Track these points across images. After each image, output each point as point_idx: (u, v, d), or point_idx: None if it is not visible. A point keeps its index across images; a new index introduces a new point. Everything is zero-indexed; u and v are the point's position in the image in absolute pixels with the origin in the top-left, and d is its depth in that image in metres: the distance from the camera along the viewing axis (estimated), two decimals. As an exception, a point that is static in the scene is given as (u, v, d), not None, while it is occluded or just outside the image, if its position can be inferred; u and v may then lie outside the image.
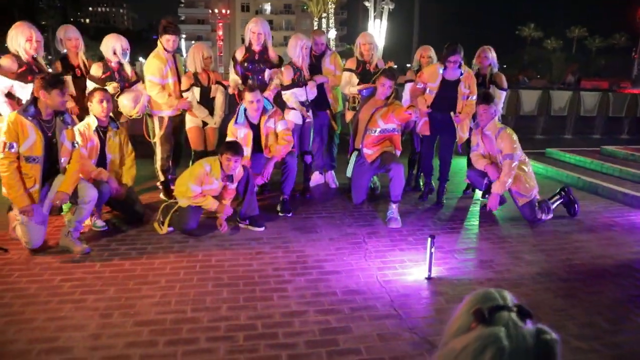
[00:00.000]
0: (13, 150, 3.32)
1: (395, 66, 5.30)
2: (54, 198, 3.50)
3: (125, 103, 4.46)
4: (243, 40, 5.08)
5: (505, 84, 5.07)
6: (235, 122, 4.40)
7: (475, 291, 0.88)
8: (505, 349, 0.75)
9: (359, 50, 5.07)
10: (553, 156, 7.37)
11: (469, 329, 0.82)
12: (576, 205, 4.61)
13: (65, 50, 4.62)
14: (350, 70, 5.03)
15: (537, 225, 4.37)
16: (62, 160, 3.59)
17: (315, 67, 4.95)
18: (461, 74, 4.56)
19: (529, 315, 0.82)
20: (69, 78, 4.47)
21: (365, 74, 4.98)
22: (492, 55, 5.01)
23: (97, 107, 3.99)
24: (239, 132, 4.41)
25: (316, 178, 5.52)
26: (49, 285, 3.00)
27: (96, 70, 4.48)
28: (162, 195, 4.89)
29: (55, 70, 4.58)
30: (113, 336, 2.44)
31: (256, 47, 4.84)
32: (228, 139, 4.32)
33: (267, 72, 4.86)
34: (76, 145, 3.71)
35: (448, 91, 4.59)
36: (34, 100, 3.44)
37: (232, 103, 5.42)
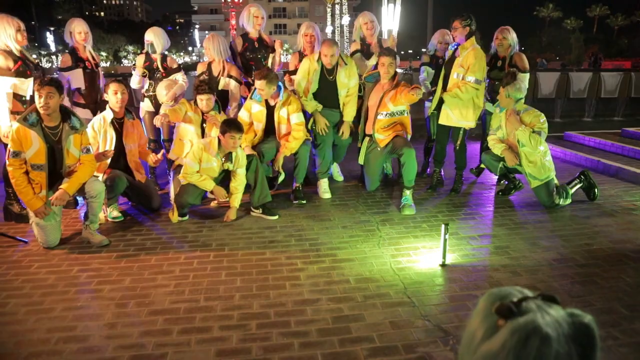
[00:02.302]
0: (19, 157, 3.35)
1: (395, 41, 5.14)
2: (54, 196, 3.42)
3: (159, 91, 4.63)
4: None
5: (526, 65, 4.79)
6: (251, 96, 4.44)
7: (486, 294, 0.84)
8: (550, 337, 0.68)
9: (361, 33, 4.99)
10: (572, 139, 7.20)
11: (496, 328, 0.74)
12: (596, 190, 4.50)
13: (73, 44, 4.63)
14: (357, 51, 4.97)
15: (555, 210, 4.28)
16: (67, 166, 3.55)
17: (330, 83, 4.65)
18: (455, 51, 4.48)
19: (554, 300, 0.77)
20: (79, 71, 4.53)
21: (368, 54, 4.90)
22: (512, 36, 4.76)
23: (111, 98, 4.06)
24: (253, 107, 4.43)
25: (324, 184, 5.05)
26: (66, 275, 3.06)
27: (139, 60, 4.84)
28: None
29: (64, 63, 4.58)
30: (128, 325, 2.48)
31: (255, 34, 4.83)
32: (240, 113, 4.43)
33: (270, 57, 4.86)
34: (90, 150, 3.68)
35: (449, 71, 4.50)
36: (35, 107, 3.39)
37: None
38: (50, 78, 3.55)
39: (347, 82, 4.63)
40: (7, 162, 3.38)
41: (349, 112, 4.73)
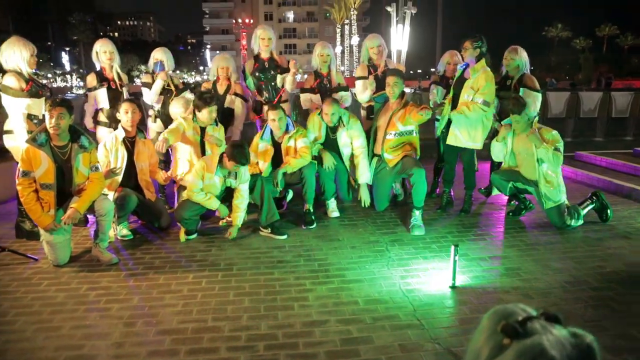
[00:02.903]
0: (28, 177, 3.41)
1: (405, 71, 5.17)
2: (65, 215, 3.47)
3: (175, 110, 4.65)
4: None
5: (536, 86, 4.72)
6: (261, 137, 4.49)
7: (490, 311, 0.84)
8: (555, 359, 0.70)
9: (368, 55, 5.01)
10: (583, 159, 7.15)
11: (502, 348, 0.76)
12: (608, 211, 4.44)
13: (99, 64, 4.73)
14: (362, 78, 4.97)
15: (567, 231, 4.23)
16: (76, 185, 3.58)
17: (332, 140, 4.67)
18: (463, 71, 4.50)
19: (557, 320, 0.78)
20: (104, 90, 4.63)
21: (376, 80, 4.87)
22: (521, 56, 4.72)
23: (122, 117, 4.12)
24: (259, 146, 4.47)
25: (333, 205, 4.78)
26: (76, 293, 3.07)
27: (146, 78, 4.92)
28: None
29: (89, 83, 4.68)
30: (136, 345, 2.47)
31: (265, 54, 4.89)
32: (252, 152, 4.44)
33: (279, 77, 4.90)
34: (99, 168, 3.72)
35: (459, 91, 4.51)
36: (45, 128, 3.47)
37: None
38: (62, 99, 3.61)
39: (348, 142, 4.64)
40: (17, 182, 3.44)
41: (361, 174, 4.67)
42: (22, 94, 3.86)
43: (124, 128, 4.16)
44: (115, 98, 4.64)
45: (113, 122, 4.63)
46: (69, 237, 3.62)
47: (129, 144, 4.20)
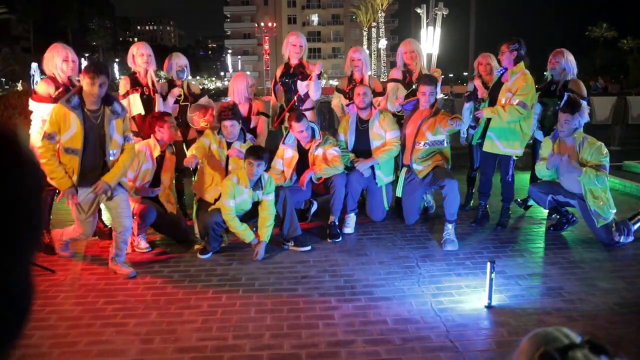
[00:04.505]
0: (53, 141, 3.42)
1: (442, 75, 5.20)
2: (95, 186, 3.51)
3: (191, 117, 4.70)
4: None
5: (584, 92, 4.61)
6: (284, 142, 4.52)
7: (530, 334, 0.82)
8: None
9: (403, 60, 5.03)
10: (632, 170, 6.95)
11: None
12: (660, 226, 4.30)
13: (135, 67, 4.72)
14: (395, 80, 5.00)
15: (615, 248, 4.11)
16: (110, 153, 3.57)
17: (362, 132, 4.72)
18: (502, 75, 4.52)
19: (604, 350, 0.75)
20: (137, 95, 4.60)
21: (410, 85, 4.92)
22: (567, 59, 4.65)
23: (162, 133, 4.23)
24: (285, 152, 4.51)
25: (351, 221, 4.68)
26: (92, 307, 3.13)
27: (162, 87, 4.87)
28: None
29: (121, 88, 4.69)
30: (153, 363, 2.50)
31: (294, 61, 4.96)
32: (275, 163, 4.50)
33: (299, 83, 4.94)
34: (130, 138, 3.73)
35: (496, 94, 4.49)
36: (79, 90, 3.48)
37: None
38: (103, 66, 3.65)
39: (381, 134, 4.64)
40: (39, 145, 3.45)
41: (380, 155, 4.62)
42: (47, 99, 3.96)
43: (157, 140, 4.23)
44: (148, 106, 4.59)
45: (141, 132, 4.56)
46: (95, 211, 3.74)
47: (159, 157, 4.29)
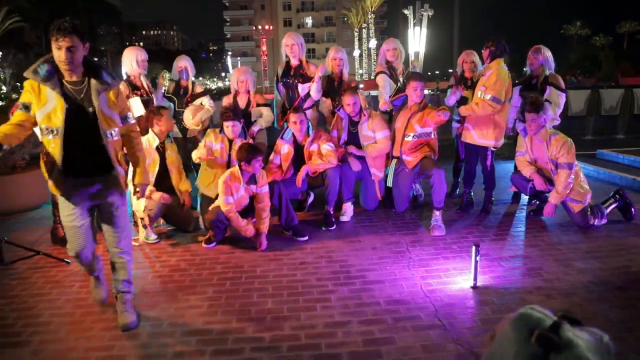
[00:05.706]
0: (27, 110, 2.49)
1: (417, 67, 5.17)
2: (134, 193, 2.93)
3: (186, 115, 4.79)
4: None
5: (562, 85, 4.60)
6: (281, 137, 4.49)
7: (511, 319, 0.80)
8: None
9: (385, 57, 5.01)
10: (605, 157, 6.96)
11: (535, 357, 0.72)
12: (632, 209, 4.31)
13: (131, 71, 4.73)
14: (383, 72, 4.97)
15: (590, 231, 4.12)
16: (107, 134, 2.58)
17: (353, 135, 4.66)
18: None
19: (578, 322, 0.76)
20: (137, 99, 4.65)
21: (394, 80, 4.92)
22: (545, 55, 4.63)
23: (159, 124, 4.23)
24: (282, 148, 4.48)
25: (348, 210, 4.67)
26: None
27: (168, 86, 5.06)
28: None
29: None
30: (162, 345, 2.50)
31: (294, 61, 4.88)
32: (273, 157, 4.49)
33: (299, 87, 4.86)
34: (130, 118, 2.83)
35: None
36: (50, 57, 2.51)
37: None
38: (73, 23, 2.47)
39: (371, 136, 4.58)
40: (11, 115, 2.57)
41: (370, 149, 4.58)
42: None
43: (155, 134, 4.21)
44: (147, 107, 4.65)
45: (145, 131, 4.60)
46: (87, 221, 2.73)
47: (161, 148, 4.27)
